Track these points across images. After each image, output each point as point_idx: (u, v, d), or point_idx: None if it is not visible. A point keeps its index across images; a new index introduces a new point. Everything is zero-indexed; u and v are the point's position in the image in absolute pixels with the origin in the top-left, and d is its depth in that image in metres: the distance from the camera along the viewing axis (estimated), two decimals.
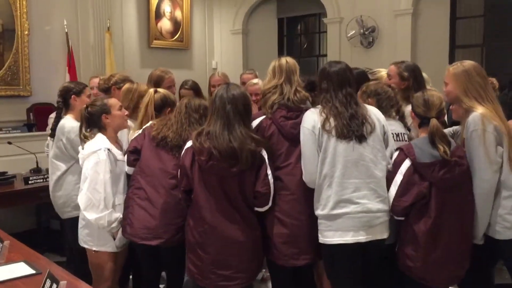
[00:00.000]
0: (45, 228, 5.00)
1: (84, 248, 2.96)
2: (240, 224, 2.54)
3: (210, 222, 2.53)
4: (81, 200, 2.76)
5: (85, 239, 2.92)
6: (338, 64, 2.63)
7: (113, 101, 2.97)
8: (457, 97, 2.57)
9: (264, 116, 2.69)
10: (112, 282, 2.95)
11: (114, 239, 2.86)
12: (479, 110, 2.46)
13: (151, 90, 3.18)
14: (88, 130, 2.90)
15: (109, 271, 2.92)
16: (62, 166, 3.30)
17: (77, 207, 3.21)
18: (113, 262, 2.92)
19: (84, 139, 2.87)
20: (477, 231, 2.53)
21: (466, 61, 2.62)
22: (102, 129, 2.91)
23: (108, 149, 2.81)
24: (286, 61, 2.75)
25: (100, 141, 2.83)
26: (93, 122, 2.90)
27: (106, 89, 3.61)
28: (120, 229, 2.84)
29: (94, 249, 2.88)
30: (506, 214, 2.47)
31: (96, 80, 4.32)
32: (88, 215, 2.75)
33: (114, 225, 2.81)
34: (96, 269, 2.93)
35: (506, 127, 2.46)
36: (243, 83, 4.46)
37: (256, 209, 2.59)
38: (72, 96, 3.30)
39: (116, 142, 2.99)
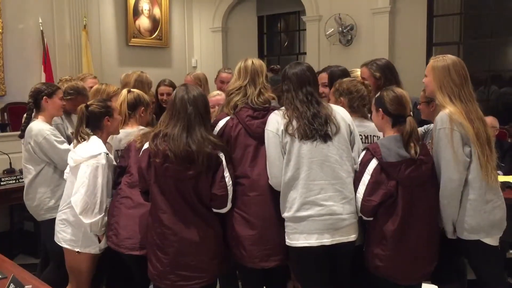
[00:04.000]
0: (18, 229, 4.93)
1: (60, 250, 2.91)
2: (197, 224, 2.52)
3: (167, 224, 2.51)
4: (77, 203, 2.71)
5: (66, 240, 2.87)
6: (299, 65, 2.62)
7: (115, 105, 2.95)
8: (433, 91, 2.56)
9: (229, 117, 2.66)
10: (89, 284, 2.93)
11: (100, 241, 2.83)
12: (447, 109, 2.45)
13: (125, 90, 3.17)
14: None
15: (89, 273, 2.90)
16: (32, 170, 3.25)
17: (50, 210, 3.20)
18: (93, 264, 2.90)
19: (80, 139, 2.81)
20: (446, 227, 2.54)
21: (448, 56, 2.57)
22: (98, 130, 2.85)
23: (107, 154, 2.79)
24: (252, 62, 2.71)
25: (98, 145, 2.79)
26: (92, 122, 2.84)
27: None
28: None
29: (77, 250, 2.84)
30: (468, 217, 2.47)
31: (91, 81, 4.20)
32: (84, 219, 2.72)
33: (104, 228, 2.80)
34: (75, 271, 2.90)
35: (474, 128, 2.44)
36: (221, 81, 4.45)
37: (215, 210, 2.58)
38: (44, 97, 3.23)
39: (107, 143, 2.95)
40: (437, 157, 2.49)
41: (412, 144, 2.41)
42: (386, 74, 3.13)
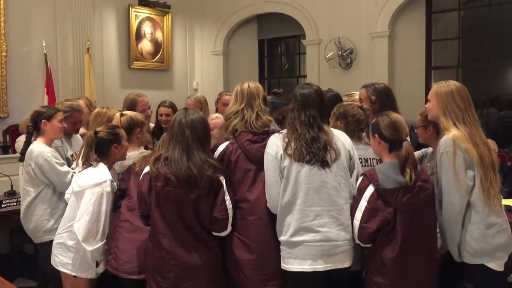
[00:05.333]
0: (18, 252, 4.91)
1: (59, 272, 2.90)
2: (198, 249, 2.52)
3: (167, 248, 2.51)
4: (80, 230, 2.71)
5: (63, 263, 2.87)
6: (308, 87, 2.61)
7: (123, 132, 2.95)
8: (437, 115, 2.57)
9: (228, 142, 2.67)
10: None
11: (97, 266, 2.83)
12: (451, 133, 2.46)
13: (117, 114, 3.16)
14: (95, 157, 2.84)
15: None
16: (32, 192, 3.26)
17: (47, 232, 3.19)
18: (90, 287, 2.89)
19: (87, 165, 2.81)
20: (452, 251, 2.53)
21: (451, 82, 2.59)
22: (104, 157, 2.86)
23: (111, 181, 2.80)
24: (248, 86, 2.73)
25: (104, 172, 2.80)
26: (100, 148, 2.85)
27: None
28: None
29: (74, 274, 2.84)
30: (472, 240, 2.46)
31: (79, 102, 4.22)
32: (86, 246, 2.72)
33: (104, 255, 2.80)
34: None
35: (479, 151, 2.44)
36: (223, 104, 4.48)
37: (215, 234, 2.58)
38: (43, 120, 3.25)
39: (112, 169, 2.96)
40: (440, 180, 2.49)
41: (408, 170, 2.39)
42: (382, 98, 3.18)
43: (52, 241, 3.00)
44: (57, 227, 3.05)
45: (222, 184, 2.52)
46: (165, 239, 2.52)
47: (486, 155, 2.47)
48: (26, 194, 3.30)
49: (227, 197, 2.52)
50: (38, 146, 3.23)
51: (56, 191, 3.23)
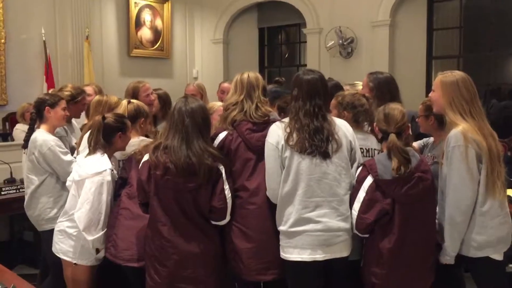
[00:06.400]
0: (18, 239, 4.92)
1: (59, 260, 2.92)
2: (197, 237, 2.53)
3: (167, 236, 2.52)
4: (81, 220, 2.72)
5: (64, 251, 2.88)
6: (312, 73, 2.55)
7: (129, 123, 2.93)
8: (442, 107, 2.53)
9: (227, 132, 2.64)
10: None
11: (98, 253, 2.83)
12: (460, 126, 2.42)
13: (125, 100, 3.17)
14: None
15: (87, 284, 2.90)
16: (35, 180, 3.26)
17: (51, 220, 3.20)
18: (91, 275, 2.90)
19: (94, 149, 2.81)
20: (450, 251, 2.48)
21: (457, 72, 2.55)
22: (107, 145, 2.84)
23: (112, 170, 2.80)
24: (248, 76, 2.69)
25: (104, 161, 2.79)
26: (104, 135, 2.83)
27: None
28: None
29: (74, 262, 2.85)
30: (475, 234, 2.45)
31: (88, 88, 4.22)
32: (87, 235, 2.73)
33: (104, 243, 2.81)
34: (74, 282, 2.90)
35: (487, 144, 2.42)
36: (222, 91, 4.48)
37: (213, 222, 2.58)
38: (47, 108, 3.24)
39: (113, 157, 2.95)
40: (449, 174, 2.44)
41: (394, 161, 2.37)
42: (381, 87, 3.18)
43: (53, 229, 3.01)
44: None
45: (222, 173, 2.51)
46: (164, 228, 2.52)
47: (494, 147, 2.45)
48: (29, 182, 3.30)
49: (226, 187, 2.51)
50: (42, 135, 3.22)
51: (59, 180, 3.24)
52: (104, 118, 2.85)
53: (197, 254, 2.51)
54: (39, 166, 3.22)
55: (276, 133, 2.51)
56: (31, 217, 3.34)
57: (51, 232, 3.06)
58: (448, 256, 2.50)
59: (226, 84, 4.57)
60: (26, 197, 3.33)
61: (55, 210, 3.22)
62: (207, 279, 2.56)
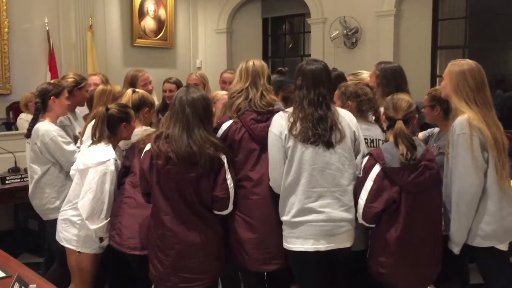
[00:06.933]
0: (23, 228, 4.94)
1: (64, 249, 2.93)
2: (199, 226, 2.52)
3: (169, 225, 2.51)
4: (84, 208, 2.73)
5: (68, 239, 2.89)
6: (316, 63, 2.54)
7: (133, 113, 2.92)
8: (448, 94, 2.54)
9: (232, 120, 2.63)
10: (91, 283, 2.94)
11: (101, 241, 2.84)
12: (465, 114, 2.42)
13: (129, 90, 3.16)
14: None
15: (91, 272, 2.92)
16: (39, 170, 3.25)
17: (55, 210, 3.17)
18: (95, 263, 2.92)
19: (98, 141, 2.81)
20: (457, 239, 2.48)
21: (467, 61, 2.56)
22: (112, 135, 2.84)
23: (115, 159, 2.80)
24: (253, 64, 2.67)
25: (108, 150, 2.80)
26: (108, 126, 2.83)
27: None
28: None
29: (78, 250, 2.86)
30: (483, 223, 2.45)
31: (95, 78, 4.25)
32: (90, 224, 2.74)
33: (108, 232, 2.82)
34: (78, 270, 2.91)
35: (492, 133, 2.42)
36: (223, 81, 4.47)
37: (216, 212, 2.57)
38: (52, 97, 3.22)
39: (117, 147, 2.95)
40: (454, 162, 2.45)
41: (401, 147, 2.39)
42: (387, 76, 3.19)
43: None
44: None
45: (224, 163, 2.49)
46: (166, 217, 2.52)
47: (499, 137, 2.45)
48: (33, 172, 3.29)
49: (228, 176, 2.50)
50: (44, 125, 3.21)
51: (63, 169, 3.23)
52: (107, 109, 2.84)
53: (198, 244, 2.51)
54: (42, 156, 3.21)
55: (279, 123, 2.50)
56: (36, 207, 3.34)
57: (56, 221, 3.07)
58: (454, 244, 2.50)
59: (227, 74, 4.55)
60: (30, 187, 3.33)
61: (59, 201, 3.20)
62: (210, 268, 2.56)
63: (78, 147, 3.16)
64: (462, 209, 2.44)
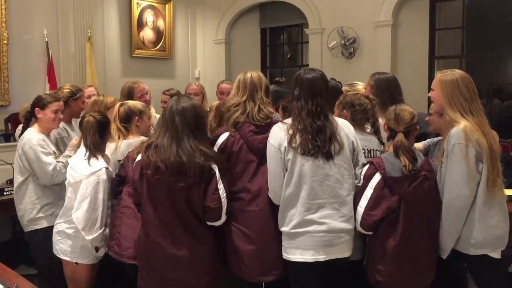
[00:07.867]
0: (20, 239, 4.91)
1: (53, 260, 2.93)
2: (186, 240, 2.49)
3: (154, 238, 2.50)
4: (79, 219, 2.74)
5: (64, 251, 2.89)
6: (313, 72, 2.54)
7: (109, 116, 3.01)
8: (441, 106, 2.54)
9: (229, 133, 2.62)
10: None
11: (97, 251, 2.85)
12: (461, 124, 2.42)
13: (117, 104, 3.16)
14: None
15: (88, 283, 2.92)
16: (19, 178, 3.21)
17: (31, 221, 3.17)
18: (92, 273, 2.93)
19: (94, 153, 2.83)
20: (445, 245, 2.50)
21: (456, 71, 2.56)
22: (103, 142, 2.91)
23: (107, 168, 2.81)
24: (251, 76, 2.66)
25: (98, 161, 2.82)
26: (100, 133, 2.88)
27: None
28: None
29: (75, 261, 2.87)
30: (474, 232, 2.45)
31: (91, 89, 4.25)
32: (86, 235, 2.75)
33: (103, 241, 2.82)
34: (74, 281, 2.92)
35: (488, 141, 2.42)
36: (221, 92, 4.49)
37: (209, 223, 2.54)
38: (36, 108, 3.18)
39: (105, 155, 2.96)
40: (449, 171, 2.45)
41: (402, 159, 2.41)
42: (381, 86, 3.21)
43: (36, 230, 3.04)
44: (41, 217, 3.08)
45: (215, 173, 2.47)
46: (153, 229, 2.50)
47: (494, 145, 2.46)
48: (15, 181, 3.27)
49: (220, 186, 2.47)
50: (29, 133, 3.18)
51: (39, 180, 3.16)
52: (92, 117, 2.86)
53: (185, 257, 2.48)
54: (21, 164, 3.16)
55: (278, 134, 2.49)
56: (19, 217, 3.28)
57: (34, 233, 3.06)
58: (442, 250, 2.51)
59: (224, 85, 4.57)
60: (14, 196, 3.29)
61: (35, 211, 3.17)
62: (199, 282, 2.53)
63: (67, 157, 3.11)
64: (451, 218, 2.45)
